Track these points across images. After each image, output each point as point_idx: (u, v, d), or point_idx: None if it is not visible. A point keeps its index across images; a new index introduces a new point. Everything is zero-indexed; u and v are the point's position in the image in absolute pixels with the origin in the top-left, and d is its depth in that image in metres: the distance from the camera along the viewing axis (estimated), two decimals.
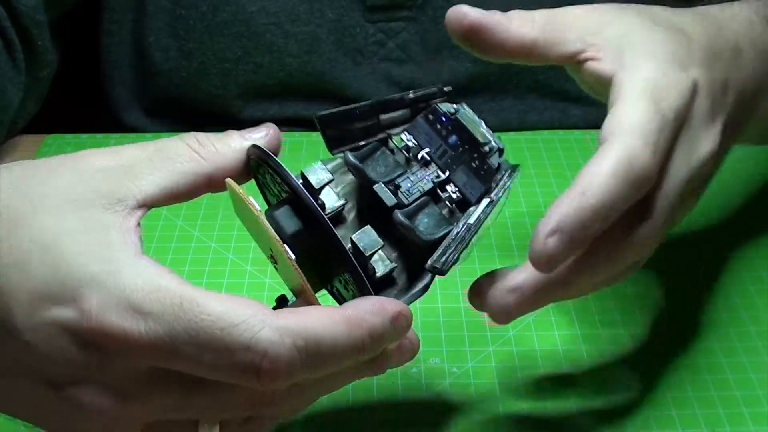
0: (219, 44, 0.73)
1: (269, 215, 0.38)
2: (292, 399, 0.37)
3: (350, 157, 0.41)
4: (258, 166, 0.40)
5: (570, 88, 0.75)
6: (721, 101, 0.44)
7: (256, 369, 0.33)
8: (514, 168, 0.43)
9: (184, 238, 0.60)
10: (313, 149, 0.70)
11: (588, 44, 0.44)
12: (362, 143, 0.42)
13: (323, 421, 0.47)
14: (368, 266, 0.39)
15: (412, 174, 0.41)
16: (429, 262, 0.39)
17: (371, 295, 0.37)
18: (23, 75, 0.66)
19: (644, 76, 0.41)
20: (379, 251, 0.39)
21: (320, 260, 0.38)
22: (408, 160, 0.42)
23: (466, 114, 0.43)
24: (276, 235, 0.36)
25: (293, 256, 0.36)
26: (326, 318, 0.34)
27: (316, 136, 0.72)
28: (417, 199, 0.40)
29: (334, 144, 0.42)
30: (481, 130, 0.42)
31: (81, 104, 0.82)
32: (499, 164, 0.42)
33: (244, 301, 0.33)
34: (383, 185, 0.40)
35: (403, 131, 0.42)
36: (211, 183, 0.39)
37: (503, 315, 0.40)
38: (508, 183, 0.42)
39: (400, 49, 0.74)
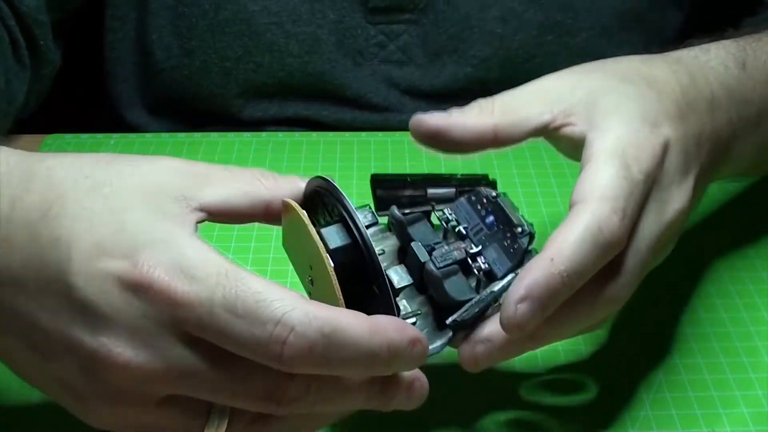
0: (220, 43, 0.73)
1: (318, 231, 0.40)
2: (298, 419, 0.38)
3: (396, 211, 0.44)
4: (311, 198, 0.42)
5: None
6: (694, 155, 0.45)
7: (282, 342, 0.34)
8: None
9: None
10: (313, 149, 0.70)
11: (556, 113, 0.45)
12: (407, 211, 0.44)
13: None
14: (395, 304, 0.40)
15: (448, 244, 0.43)
16: (451, 318, 0.41)
17: (394, 308, 0.39)
18: (28, 71, 0.67)
19: (614, 138, 0.42)
20: (406, 302, 0.43)
21: (355, 280, 0.39)
22: (446, 233, 0.45)
23: (506, 199, 0.45)
24: (322, 245, 0.38)
25: (332, 264, 0.38)
26: (352, 317, 0.36)
27: (317, 136, 0.72)
28: (448, 265, 0.42)
29: (382, 205, 0.45)
30: (517, 215, 0.44)
31: (82, 102, 0.82)
32: (529, 249, 0.43)
33: (283, 287, 0.36)
34: (420, 244, 0.43)
35: (445, 207, 0.45)
36: (268, 211, 0.42)
37: (472, 363, 0.42)
38: None
39: (401, 51, 0.74)
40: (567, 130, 0.45)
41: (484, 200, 0.45)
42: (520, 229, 0.43)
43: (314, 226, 0.39)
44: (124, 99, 0.79)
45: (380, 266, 0.39)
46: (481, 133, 0.45)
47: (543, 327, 0.40)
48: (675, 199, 0.43)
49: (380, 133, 0.72)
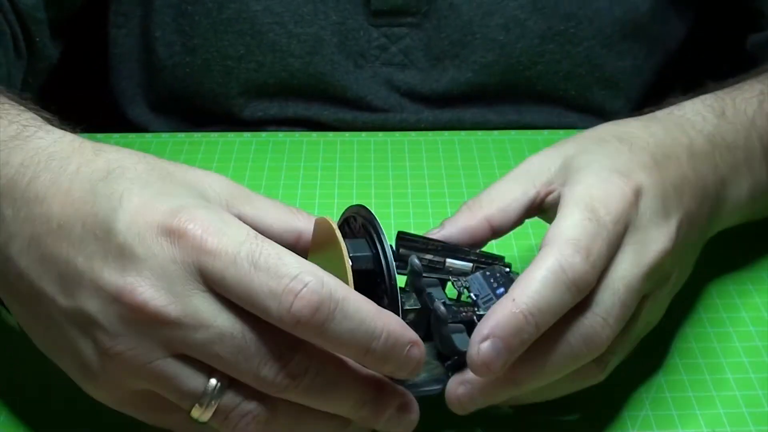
0: (223, 41, 0.73)
1: (345, 241, 0.42)
2: (287, 420, 0.40)
3: (416, 259, 0.45)
4: (347, 221, 0.46)
5: (569, 96, 0.75)
6: (675, 199, 0.46)
7: (294, 294, 0.36)
8: None
9: None
10: (313, 149, 0.70)
11: (539, 186, 0.48)
12: (425, 274, 0.46)
13: None
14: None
15: (458, 305, 0.45)
16: (449, 362, 0.44)
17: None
18: (24, 60, 0.68)
19: (582, 188, 0.44)
20: None
21: (369, 293, 0.41)
22: (459, 297, 0.47)
23: (516, 275, 0.46)
24: (346, 250, 0.41)
25: (350, 263, 0.41)
26: (363, 298, 0.38)
27: (317, 136, 0.72)
28: (456, 321, 0.44)
29: (401, 263, 0.46)
30: None
31: (85, 98, 0.82)
32: None
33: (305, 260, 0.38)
34: (432, 294, 0.45)
35: (461, 278, 0.47)
36: (299, 241, 0.45)
37: (456, 404, 0.43)
38: None
39: (403, 54, 0.74)
40: (549, 198, 0.48)
41: (498, 274, 0.47)
42: None
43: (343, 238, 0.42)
44: (128, 96, 0.80)
45: (395, 277, 0.41)
46: (476, 229, 0.48)
47: (522, 367, 0.41)
48: (654, 239, 0.44)
49: (380, 133, 0.73)
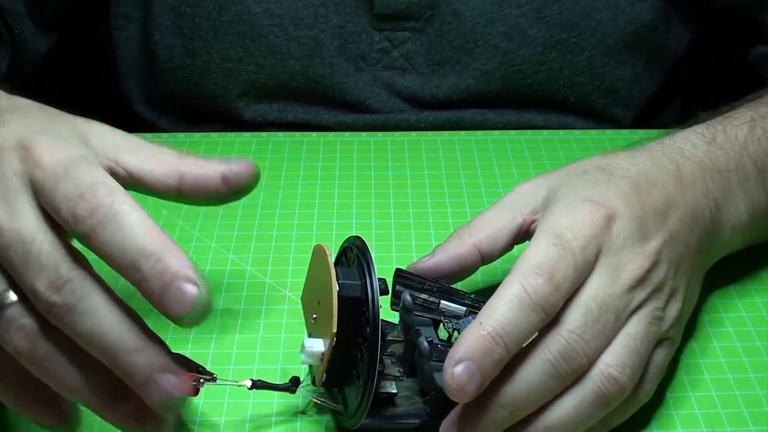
0: (223, 44, 0.73)
1: (338, 269, 0.44)
2: (55, 349, 0.40)
3: (408, 296, 0.47)
4: (344, 252, 0.47)
5: (569, 102, 0.75)
6: (656, 223, 0.47)
7: (82, 196, 0.39)
8: None
9: (184, 238, 0.60)
10: (313, 149, 0.70)
11: (525, 214, 0.50)
12: (418, 313, 0.47)
13: None
14: (379, 349, 0.43)
15: (445, 345, 0.45)
16: (427, 397, 0.45)
17: (377, 355, 0.42)
18: (8, 48, 0.71)
19: (552, 218, 0.46)
20: (393, 368, 0.46)
21: (353, 323, 0.43)
22: (449, 338, 0.47)
23: None
24: (335, 276, 0.43)
25: (337, 288, 0.43)
26: (148, 220, 0.40)
27: (317, 136, 0.72)
28: (440, 360, 0.44)
29: (396, 299, 0.48)
30: None
31: (99, 95, 0.83)
32: None
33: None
34: (420, 331, 0.46)
35: (452, 320, 0.48)
36: (181, 182, 0.45)
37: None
38: None
39: (404, 59, 0.74)
40: (533, 226, 0.49)
41: None
42: None
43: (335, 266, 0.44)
44: (134, 95, 0.80)
45: (378, 307, 0.42)
46: (466, 255, 0.50)
47: (505, 388, 0.42)
48: (630, 260, 0.45)
49: (380, 133, 0.73)
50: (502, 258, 0.58)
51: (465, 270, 0.51)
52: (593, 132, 0.72)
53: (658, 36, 0.75)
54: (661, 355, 0.46)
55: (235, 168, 0.46)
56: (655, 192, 0.48)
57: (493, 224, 0.50)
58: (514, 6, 0.71)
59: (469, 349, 0.41)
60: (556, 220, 0.45)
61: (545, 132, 0.72)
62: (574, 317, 0.43)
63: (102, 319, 0.39)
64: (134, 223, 0.39)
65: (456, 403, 0.43)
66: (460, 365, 0.41)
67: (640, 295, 0.45)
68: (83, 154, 0.42)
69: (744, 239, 0.55)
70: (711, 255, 0.53)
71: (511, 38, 0.72)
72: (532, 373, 0.42)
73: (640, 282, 0.45)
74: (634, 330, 0.44)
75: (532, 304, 0.42)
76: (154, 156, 0.46)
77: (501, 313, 0.41)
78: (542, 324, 0.42)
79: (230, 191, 0.46)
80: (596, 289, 0.44)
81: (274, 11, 0.72)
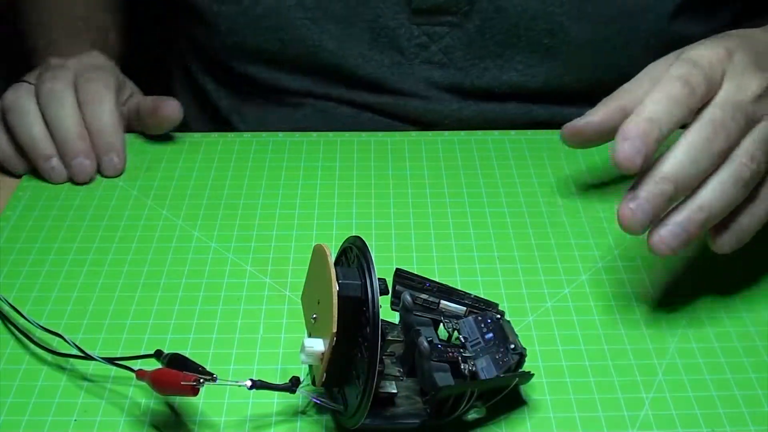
0: (257, 38, 0.75)
1: (338, 269, 0.44)
2: None
3: (408, 296, 0.48)
4: (344, 252, 0.47)
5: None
6: (765, 57, 0.55)
7: None
8: (526, 374, 0.47)
9: (184, 238, 0.60)
10: (313, 149, 0.70)
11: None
12: (419, 313, 0.48)
13: None
14: (379, 350, 0.43)
15: (445, 346, 0.46)
16: (428, 396, 0.45)
17: (377, 355, 0.42)
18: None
19: (683, 53, 0.54)
20: (393, 368, 0.46)
21: (352, 323, 0.43)
22: (449, 338, 0.48)
23: (508, 323, 0.49)
24: (335, 275, 0.43)
25: (337, 288, 0.43)
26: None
27: (317, 136, 0.72)
28: (441, 360, 0.45)
29: (396, 299, 0.49)
30: (515, 337, 0.47)
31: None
32: (517, 363, 0.47)
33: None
34: (420, 331, 0.46)
35: (452, 320, 0.48)
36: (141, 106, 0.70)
37: (630, 221, 0.49)
38: (515, 381, 0.47)
39: (443, 53, 0.74)
40: None
41: (489, 320, 0.48)
42: (513, 346, 0.46)
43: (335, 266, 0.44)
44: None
45: (378, 307, 0.42)
46: (611, 115, 0.59)
47: (666, 163, 0.50)
48: (751, 80, 0.53)
49: (380, 133, 0.73)
50: (502, 258, 0.58)
51: (603, 135, 0.60)
52: None
53: (698, 37, 0.76)
54: None
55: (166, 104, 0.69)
56: (760, 42, 0.56)
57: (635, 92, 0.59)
58: (557, 4, 0.72)
59: (630, 131, 0.49)
60: (686, 52, 0.53)
61: (546, 132, 0.72)
62: (714, 111, 0.51)
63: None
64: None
65: (455, 403, 0.44)
66: (626, 142, 0.49)
67: (764, 107, 0.52)
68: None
69: None
70: None
71: (553, 35, 0.73)
72: (685, 151, 0.50)
73: (761, 96, 0.52)
74: (761, 132, 0.52)
75: (675, 100, 0.50)
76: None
77: (650, 107, 0.50)
78: (684, 119, 0.51)
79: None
80: (727, 95, 0.52)
81: (306, 4, 0.73)
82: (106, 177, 0.67)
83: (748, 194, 0.52)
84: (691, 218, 0.49)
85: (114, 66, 0.75)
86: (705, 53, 0.53)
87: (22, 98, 0.67)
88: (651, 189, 0.49)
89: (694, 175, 0.50)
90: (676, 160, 0.50)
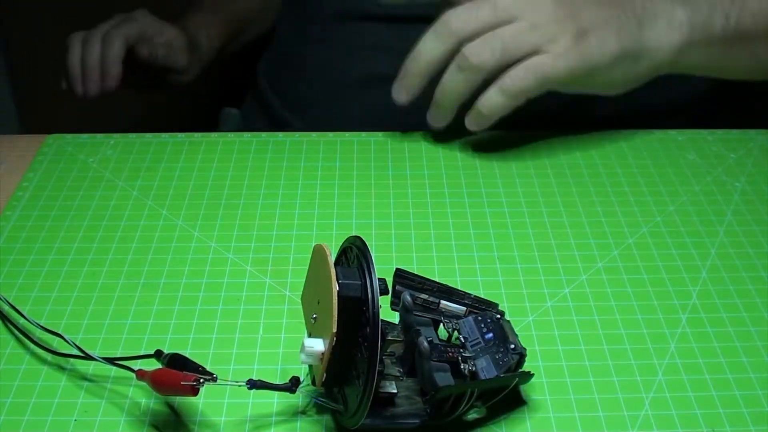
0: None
1: (338, 269, 0.44)
2: None
3: (407, 296, 0.48)
4: (344, 251, 0.47)
5: (611, 116, 0.74)
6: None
7: None
8: (526, 374, 0.47)
9: (184, 238, 0.60)
10: (313, 149, 0.70)
11: None
12: (419, 313, 0.48)
13: None
14: (379, 350, 0.43)
15: (445, 346, 0.46)
16: (428, 396, 0.45)
17: (377, 355, 0.42)
18: None
19: None
20: (392, 368, 0.46)
21: (352, 323, 0.43)
22: (449, 338, 0.48)
23: (508, 322, 0.49)
24: (335, 275, 0.43)
25: (337, 287, 0.42)
26: None
27: (317, 136, 0.72)
28: (441, 360, 0.45)
29: (396, 299, 0.49)
30: (515, 337, 0.48)
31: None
32: (517, 363, 0.47)
33: None
34: (420, 331, 0.46)
35: (452, 320, 0.48)
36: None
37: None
38: (515, 381, 0.47)
39: None
40: None
41: (489, 320, 0.48)
42: (513, 346, 0.47)
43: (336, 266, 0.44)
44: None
45: (378, 307, 0.42)
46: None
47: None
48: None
49: (380, 134, 0.73)
50: (502, 258, 0.58)
51: None
52: (593, 133, 0.72)
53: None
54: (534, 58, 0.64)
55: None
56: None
57: None
58: None
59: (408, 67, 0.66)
60: None
61: (545, 132, 0.72)
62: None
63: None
64: None
65: (455, 403, 0.44)
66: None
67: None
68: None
69: (691, 46, 0.67)
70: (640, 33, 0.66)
71: None
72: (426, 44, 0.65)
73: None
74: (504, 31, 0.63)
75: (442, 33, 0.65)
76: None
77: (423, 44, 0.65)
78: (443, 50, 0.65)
79: None
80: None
81: None
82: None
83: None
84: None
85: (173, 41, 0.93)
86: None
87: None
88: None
89: (429, 64, 0.65)
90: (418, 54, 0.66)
